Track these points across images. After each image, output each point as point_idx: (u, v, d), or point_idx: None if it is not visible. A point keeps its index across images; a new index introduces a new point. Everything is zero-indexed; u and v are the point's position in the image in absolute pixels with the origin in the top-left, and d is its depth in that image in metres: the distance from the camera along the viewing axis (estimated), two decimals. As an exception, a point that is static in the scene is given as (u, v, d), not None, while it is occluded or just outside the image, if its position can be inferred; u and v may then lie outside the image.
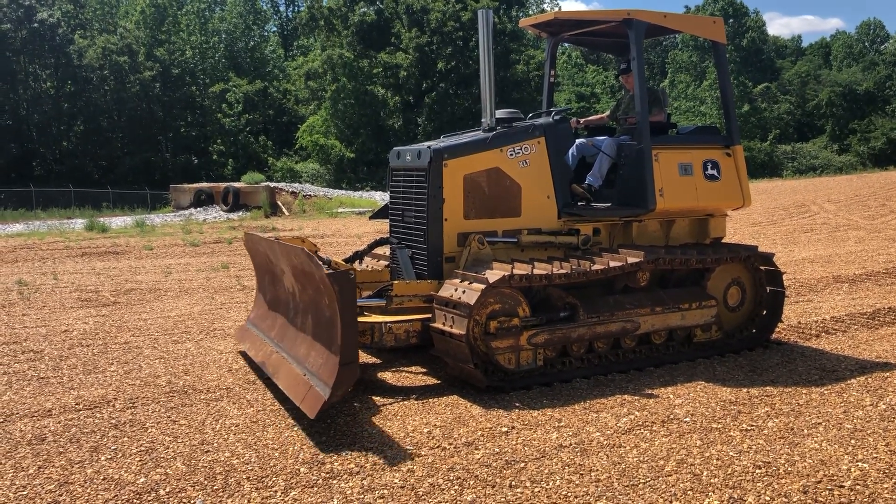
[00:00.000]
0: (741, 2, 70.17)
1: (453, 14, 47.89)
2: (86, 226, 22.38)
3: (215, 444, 5.02)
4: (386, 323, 6.14)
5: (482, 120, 7.05)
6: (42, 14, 50.00)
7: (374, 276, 7.07)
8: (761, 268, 7.55)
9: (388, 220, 7.42)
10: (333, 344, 5.19)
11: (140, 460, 4.77)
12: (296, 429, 5.29)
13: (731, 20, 65.95)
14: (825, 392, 6.00)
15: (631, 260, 6.58)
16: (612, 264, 6.51)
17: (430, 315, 6.21)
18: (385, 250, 7.61)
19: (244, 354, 7.27)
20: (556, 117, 7.15)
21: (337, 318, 5.03)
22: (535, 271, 6.16)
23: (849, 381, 6.26)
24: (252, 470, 4.59)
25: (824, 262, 13.14)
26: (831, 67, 72.31)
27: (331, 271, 5.03)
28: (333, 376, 5.03)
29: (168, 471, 4.60)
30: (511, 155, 6.80)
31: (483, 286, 5.86)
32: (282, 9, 76.14)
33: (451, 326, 5.91)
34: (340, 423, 5.37)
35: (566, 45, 8.73)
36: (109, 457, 4.83)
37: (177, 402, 5.95)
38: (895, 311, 8.93)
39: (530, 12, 60.00)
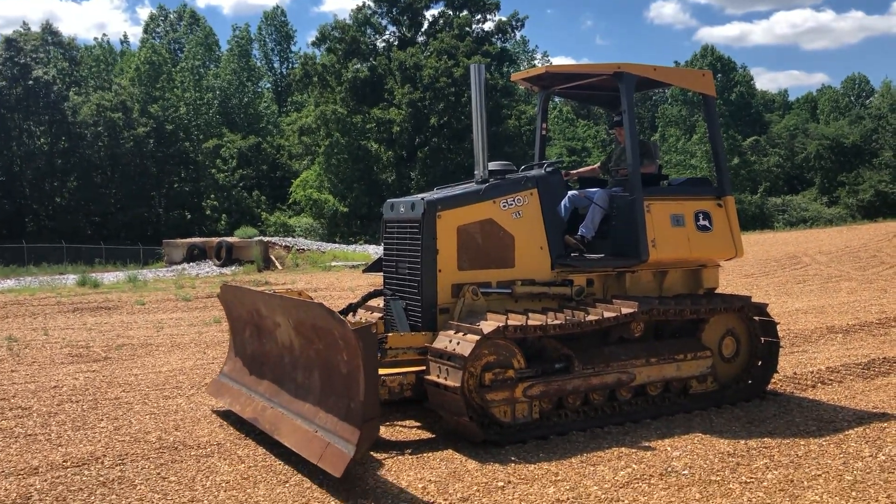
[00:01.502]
0: (729, 57, 71.61)
1: (445, 70, 48.61)
2: (78, 281, 22.26)
3: (205, 502, 4.92)
4: (380, 376, 6.06)
5: (475, 172, 7.09)
6: (37, 72, 50.57)
7: None
8: (755, 318, 7.54)
9: (381, 274, 7.41)
10: (353, 400, 5.08)
11: (128, 519, 4.66)
12: (287, 485, 5.19)
13: (719, 75, 67.16)
14: (824, 443, 5.93)
15: (625, 310, 6.56)
16: (607, 315, 6.49)
17: (424, 367, 6.16)
18: (379, 302, 7.58)
19: (223, 412, 7.10)
20: (549, 169, 7.21)
21: (360, 374, 4.95)
22: (530, 322, 6.13)
23: (847, 432, 6.20)
24: (243, 528, 4.49)
25: (817, 312, 13.14)
26: (818, 121, 73.43)
27: (356, 327, 4.97)
28: (357, 433, 4.94)
29: (156, 529, 4.49)
30: (504, 206, 6.83)
31: (478, 337, 5.82)
32: (276, 66, 77.26)
33: (445, 379, 5.85)
34: (333, 480, 5.26)
35: (557, 99, 8.89)
36: (97, 515, 4.72)
37: (167, 458, 5.84)
38: (890, 362, 8.90)
39: (521, 68, 61.03)
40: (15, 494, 5.10)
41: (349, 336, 4.94)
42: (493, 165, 7.23)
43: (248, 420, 6.31)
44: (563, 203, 7.36)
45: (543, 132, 8.62)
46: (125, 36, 77.03)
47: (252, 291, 6.74)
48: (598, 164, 8.65)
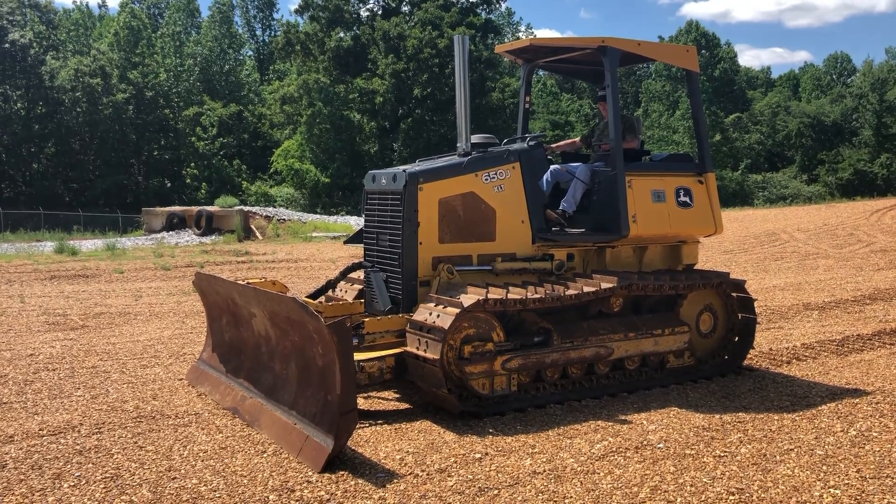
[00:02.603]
0: (713, 33, 71.53)
1: (430, 41, 48.22)
2: (55, 248, 22.07)
3: (182, 471, 4.92)
4: (358, 362, 5.93)
5: (458, 145, 7.05)
6: (14, 34, 49.56)
7: (346, 310, 6.98)
8: (733, 294, 7.60)
9: (362, 245, 7.38)
10: (330, 392, 5.05)
11: (104, 487, 4.65)
12: (265, 455, 5.20)
13: (703, 51, 67.07)
14: (797, 418, 6.02)
15: (604, 285, 6.59)
16: (586, 289, 6.52)
17: (402, 350, 6.15)
18: (359, 274, 7.55)
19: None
20: (531, 143, 7.18)
21: (336, 367, 4.91)
22: (510, 296, 6.14)
23: (820, 408, 6.29)
24: (220, 497, 4.50)
25: (794, 289, 13.27)
26: (800, 99, 73.66)
27: (330, 322, 4.92)
28: (334, 426, 4.94)
29: (133, 498, 4.49)
30: (486, 180, 6.81)
31: (457, 310, 5.83)
32: (258, 33, 76.28)
33: (424, 351, 5.86)
34: (311, 450, 5.27)
35: (542, 73, 8.83)
36: (72, 484, 4.71)
37: (144, 427, 5.83)
38: (864, 339, 9.02)
39: (506, 40, 60.64)
40: (-10, 462, 5.07)
41: (323, 331, 4.91)
42: (475, 138, 7.18)
43: (227, 410, 6.24)
44: (544, 177, 7.35)
45: (527, 105, 8.58)
46: (103, 0, 75.39)
47: (226, 282, 6.62)
48: (579, 137, 8.62)
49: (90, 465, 5.03)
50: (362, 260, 7.33)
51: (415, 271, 6.56)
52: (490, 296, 6.05)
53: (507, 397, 6.20)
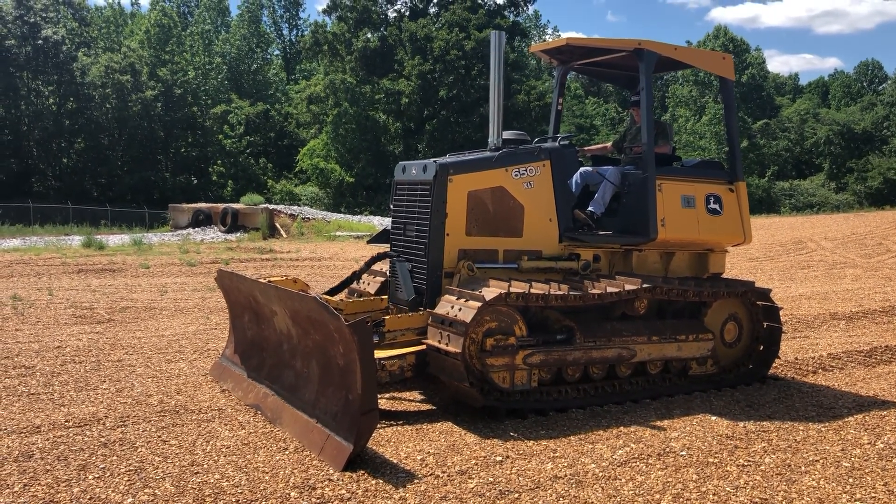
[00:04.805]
0: (742, 38, 70.90)
1: (456, 43, 48.21)
2: (83, 243, 22.32)
3: (205, 466, 4.95)
4: (379, 360, 5.94)
5: (489, 140, 7.06)
6: (47, 31, 50.23)
7: (367, 306, 6.99)
8: (758, 303, 7.52)
9: (385, 245, 7.39)
10: (351, 392, 5.06)
11: (128, 480, 4.69)
12: (287, 452, 5.22)
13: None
14: (822, 429, 5.94)
15: (628, 287, 6.55)
16: (610, 290, 6.48)
17: (423, 347, 6.16)
18: (383, 266, 7.57)
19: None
20: (563, 142, 7.16)
21: (357, 367, 4.91)
22: (532, 290, 6.12)
23: (846, 419, 6.21)
24: (241, 493, 4.52)
25: (821, 298, 13.11)
26: (829, 106, 72.81)
27: (350, 322, 4.92)
28: (356, 426, 4.94)
29: (156, 491, 4.52)
30: (516, 175, 6.79)
31: (479, 304, 5.82)
32: (285, 32, 76.71)
33: (446, 344, 5.86)
34: (333, 448, 5.28)
35: (568, 75, 8.69)
36: (97, 476, 4.75)
37: (168, 421, 5.87)
38: (892, 350, 8.89)
39: (533, 42, 60.48)
40: (17, 452, 5.13)
41: (343, 330, 4.91)
42: (507, 134, 7.19)
43: (250, 406, 6.26)
44: (574, 178, 7.32)
45: (559, 107, 8.55)
46: (135, -2, 76.28)
47: (248, 280, 6.65)
48: (611, 142, 8.59)
49: (115, 457, 5.08)
50: (387, 251, 7.34)
51: (440, 262, 6.55)
52: (512, 290, 6.03)
53: (527, 393, 6.18)
